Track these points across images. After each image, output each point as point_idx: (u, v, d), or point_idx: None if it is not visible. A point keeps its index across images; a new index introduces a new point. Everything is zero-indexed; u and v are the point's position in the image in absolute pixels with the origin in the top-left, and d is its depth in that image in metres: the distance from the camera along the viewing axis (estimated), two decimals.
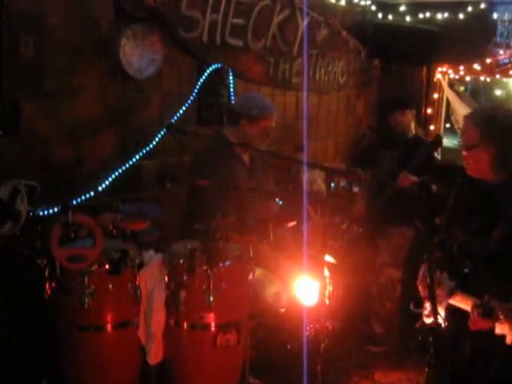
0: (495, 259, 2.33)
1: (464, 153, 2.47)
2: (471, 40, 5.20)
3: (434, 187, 4.16)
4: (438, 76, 5.61)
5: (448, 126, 5.67)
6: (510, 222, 2.30)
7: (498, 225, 2.32)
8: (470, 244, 2.41)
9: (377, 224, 4.30)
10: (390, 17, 5.53)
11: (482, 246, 2.36)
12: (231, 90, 4.22)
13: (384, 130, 4.57)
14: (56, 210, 3.10)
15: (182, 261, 2.73)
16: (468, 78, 5.48)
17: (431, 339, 2.78)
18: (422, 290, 2.53)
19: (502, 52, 5.10)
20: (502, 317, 2.14)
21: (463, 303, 2.32)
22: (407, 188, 4.13)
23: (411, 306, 2.76)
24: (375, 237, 4.34)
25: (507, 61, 5.05)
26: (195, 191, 3.25)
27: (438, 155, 4.22)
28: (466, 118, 2.52)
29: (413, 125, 4.48)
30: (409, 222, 4.04)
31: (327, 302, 3.32)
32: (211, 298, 2.68)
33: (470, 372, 2.39)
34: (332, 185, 3.65)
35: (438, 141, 4.35)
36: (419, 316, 2.62)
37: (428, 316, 2.54)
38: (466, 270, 2.36)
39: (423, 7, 5.41)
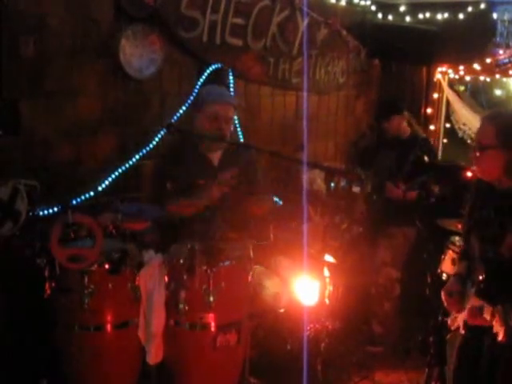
0: (508, 266, 2.33)
1: (477, 153, 2.42)
2: (471, 40, 5.19)
3: (434, 187, 4.16)
4: (438, 76, 5.61)
5: (448, 125, 5.67)
6: None
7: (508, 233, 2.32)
8: (485, 252, 2.40)
9: (378, 223, 4.29)
10: (390, 17, 5.52)
11: (495, 254, 2.36)
12: (231, 90, 4.21)
13: (381, 132, 4.57)
14: (56, 209, 3.09)
15: (181, 261, 2.74)
16: (468, 78, 5.47)
17: (432, 339, 2.79)
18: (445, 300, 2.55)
19: (501, 52, 5.10)
20: (488, 318, 2.22)
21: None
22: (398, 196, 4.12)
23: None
24: (376, 236, 4.34)
25: (507, 61, 5.04)
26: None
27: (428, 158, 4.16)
28: (484, 118, 2.47)
29: (405, 125, 4.43)
30: (410, 222, 4.07)
31: (327, 301, 3.33)
32: (211, 298, 2.68)
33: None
34: (332, 185, 3.65)
35: (424, 144, 4.29)
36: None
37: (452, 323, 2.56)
38: (481, 278, 2.38)
39: (423, 7, 5.40)
